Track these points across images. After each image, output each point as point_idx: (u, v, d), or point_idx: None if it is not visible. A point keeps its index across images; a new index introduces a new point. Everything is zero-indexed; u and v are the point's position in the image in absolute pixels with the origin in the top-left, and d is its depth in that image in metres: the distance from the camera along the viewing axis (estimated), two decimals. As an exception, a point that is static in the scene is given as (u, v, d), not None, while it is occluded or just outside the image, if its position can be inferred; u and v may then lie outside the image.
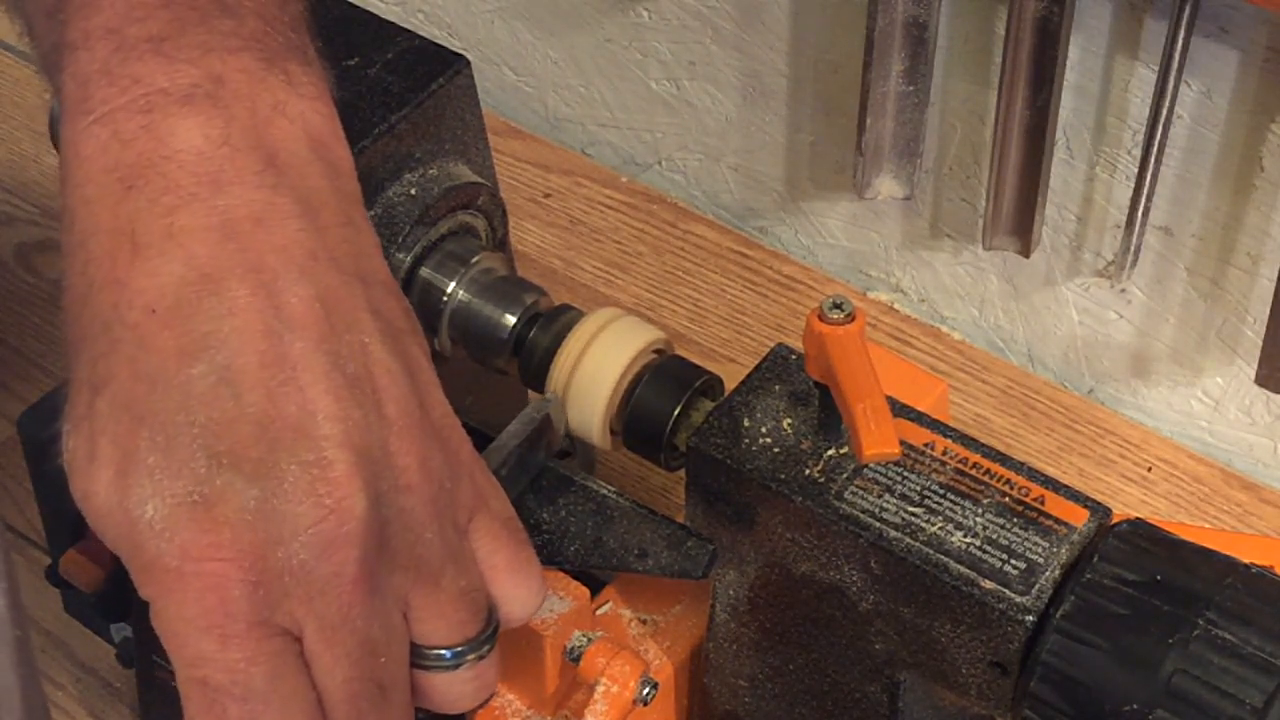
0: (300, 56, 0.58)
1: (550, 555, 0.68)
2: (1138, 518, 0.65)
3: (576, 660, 0.68)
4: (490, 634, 0.57)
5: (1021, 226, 0.95)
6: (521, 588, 0.58)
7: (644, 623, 0.74)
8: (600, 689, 0.68)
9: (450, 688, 0.57)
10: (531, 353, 0.73)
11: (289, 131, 0.55)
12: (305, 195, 0.55)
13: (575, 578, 0.70)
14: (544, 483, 0.70)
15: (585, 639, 0.68)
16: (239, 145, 0.54)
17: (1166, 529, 0.64)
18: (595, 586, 0.72)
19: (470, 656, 0.56)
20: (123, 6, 0.55)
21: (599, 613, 0.73)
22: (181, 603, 0.51)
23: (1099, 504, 0.65)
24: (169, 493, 0.51)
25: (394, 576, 0.54)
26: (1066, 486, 0.66)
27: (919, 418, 0.68)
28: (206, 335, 0.52)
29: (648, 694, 0.68)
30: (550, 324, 0.73)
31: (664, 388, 0.71)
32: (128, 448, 0.52)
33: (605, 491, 0.70)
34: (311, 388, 0.52)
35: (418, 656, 0.56)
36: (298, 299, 0.53)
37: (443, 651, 0.56)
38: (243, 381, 0.52)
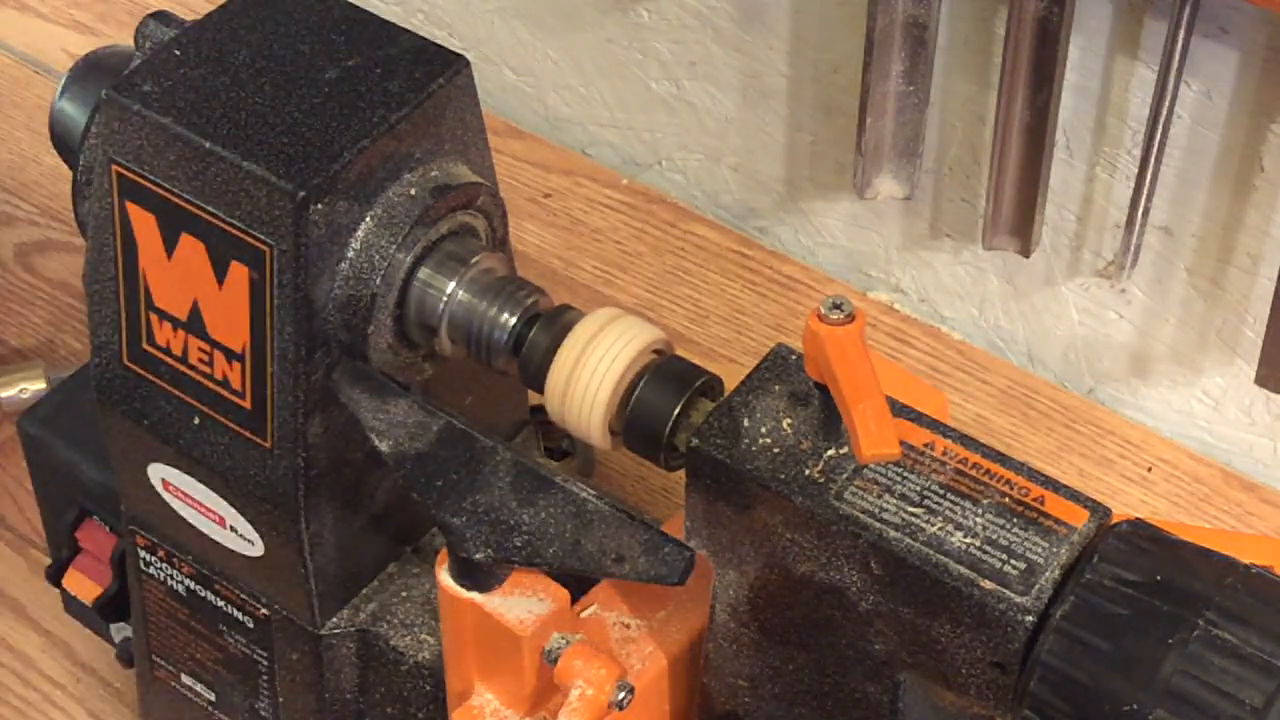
0: None
1: (529, 556, 0.68)
2: (1138, 518, 0.65)
3: (554, 662, 0.68)
4: None
5: (1021, 226, 0.95)
6: None
7: (628, 627, 0.73)
8: (575, 692, 0.67)
9: None
10: (531, 353, 0.73)
11: None
12: None
13: (556, 579, 0.69)
14: (524, 483, 0.70)
15: (564, 641, 0.68)
16: None
17: (1166, 529, 0.64)
18: (585, 587, 0.72)
19: None
20: None
21: (584, 615, 0.73)
22: None
23: (1099, 504, 0.65)
24: None
25: None
26: (1066, 486, 0.66)
27: (919, 418, 0.68)
28: None
29: (623, 699, 0.67)
30: (550, 324, 0.73)
31: (664, 388, 0.71)
32: None
33: (585, 494, 0.69)
34: None
35: None
36: None
37: None
38: None
